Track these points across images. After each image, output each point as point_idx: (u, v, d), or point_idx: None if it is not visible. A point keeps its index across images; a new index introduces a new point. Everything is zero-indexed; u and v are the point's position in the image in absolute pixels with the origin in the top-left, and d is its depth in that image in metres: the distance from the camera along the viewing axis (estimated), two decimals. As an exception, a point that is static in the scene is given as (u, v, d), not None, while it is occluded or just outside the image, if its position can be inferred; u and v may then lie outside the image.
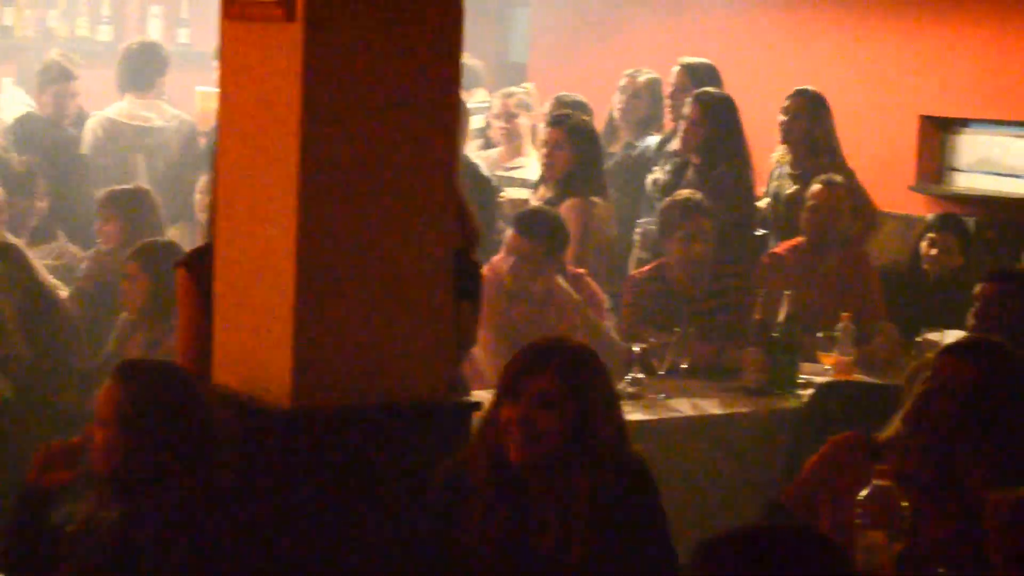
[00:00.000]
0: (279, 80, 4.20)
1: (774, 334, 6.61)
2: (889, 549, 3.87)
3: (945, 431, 4.39)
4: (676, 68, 9.09)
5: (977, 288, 6.18)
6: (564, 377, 3.93)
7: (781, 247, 7.83)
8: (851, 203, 7.84)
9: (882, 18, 10.20)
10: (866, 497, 3.91)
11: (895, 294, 7.84)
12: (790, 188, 8.37)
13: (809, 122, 8.52)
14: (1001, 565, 3.01)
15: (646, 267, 7.50)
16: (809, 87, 8.71)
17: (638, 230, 8.41)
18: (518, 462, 3.92)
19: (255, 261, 4.35)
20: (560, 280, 6.86)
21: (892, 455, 4.38)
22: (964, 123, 10.08)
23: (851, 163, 8.76)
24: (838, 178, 7.81)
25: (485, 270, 6.73)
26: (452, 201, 4.47)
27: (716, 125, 8.13)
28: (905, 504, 3.93)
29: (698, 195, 7.27)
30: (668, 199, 7.43)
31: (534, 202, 8.08)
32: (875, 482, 3.93)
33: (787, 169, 8.57)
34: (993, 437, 4.33)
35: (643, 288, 7.28)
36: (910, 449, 4.43)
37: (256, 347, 4.35)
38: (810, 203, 7.70)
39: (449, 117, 4.42)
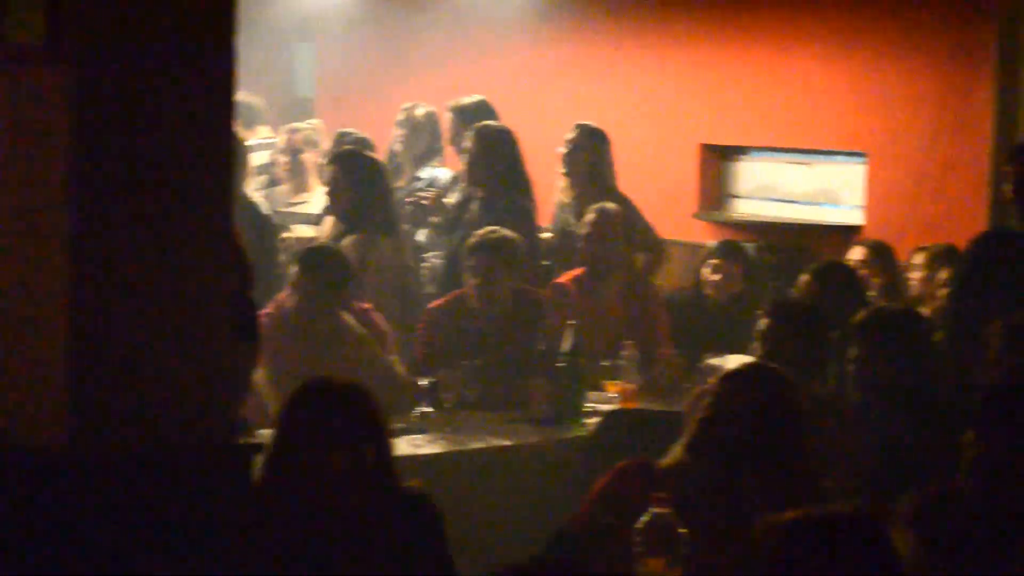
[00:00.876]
0: (46, 122, 4.12)
1: (559, 364, 6.63)
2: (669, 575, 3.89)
3: (725, 457, 4.44)
4: (447, 113, 9.19)
5: (761, 322, 6.26)
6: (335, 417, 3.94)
7: (564, 277, 7.86)
8: (626, 231, 7.89)
9: (662, 50, 10.31)
10: (644, 525, 3.92)
11: (679, 320, 7.91)
12: (573, 219, 8.41)
13: (590, 155, 8.62)
14: None
15: (442, 300, 7.48)
16: (588, 122, 8.81)
17: (425, 264, 8.42)
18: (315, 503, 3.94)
19: (28, 304, 4.25)
20: (345, 316, 6.81)
21: (673, 481, 4.41)
22: (743, 151, 10.25)
23: (636, 193, 8.87)
24: (611, 206, 7.88)
25: (270, 308, 6.68)
26: (228, 242, 4.41)
27: (497, 158, 8.18)
28: (683, 531, 3.94)
29: (502, 232, 7.26)
30: (472, 235, 7.41)
31: (319, 239, 8.04)
32: (653, 509, 3.94)
33: (569, 201, 8.63)
34: (772, 462, 4.38)
35: (439, 321, 7.26)
36: (691, 475, 4.47)
37: (31, 390, 4.25)
38: (585, 231, 7.75)
39: (222, 158, 4.36)
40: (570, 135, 8.73)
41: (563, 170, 8.73)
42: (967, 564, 4.13)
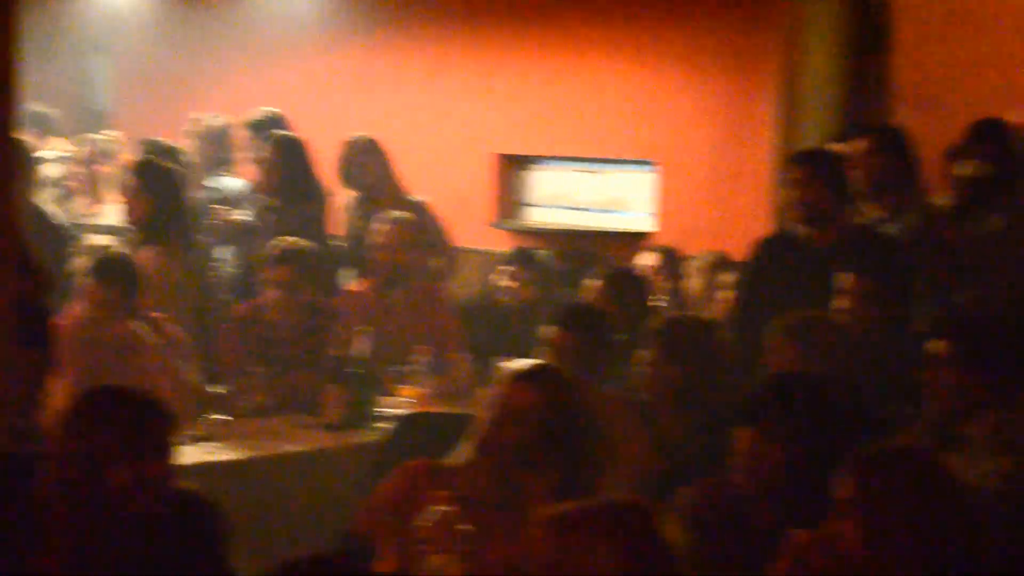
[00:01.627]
0: None
1: (352, 370, 6.63)
2: (454, 571, 3.92)
3: (510, 455, 4.48)
4: (240, 125, 9.18)
5: (548, 327, 6.31)
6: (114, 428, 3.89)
7: (355, 285, 7.87)
8: (418, 238, 7.91)
9: (456, 61, 10.37)
10: (428, 522, 3.95)
11: (474, 326, 7.95)
12: (362, 228, 8.43)
13: (367, 166, 8.68)
14: None
15: (241, 308, 7.44)
16: (362, 133, 8.86)
17: (220, 273, 8.38)
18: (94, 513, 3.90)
19: None
20: (136, 325, 6.74)
21: (460, 480, 4.45)
22: (537, 160, 10.33)
23: (434, 201, 8.91)
24: (403, 214, 7.91)
25: (63, 316, 6.59)
26: (12, 250, 4.34)
27: (290, 167, 8.19)
28: (467, 527, 3.97)
29: (300, 244, 7.24)
30: (269, 246, 7.39)
31: (114, 248, 7.94)
32: (436, 507, 3.97)
33: (356, 210, 8.67)
34: (555, 460, 4.43)
35: (237, 329, 7.23)
36: (479, 472, 4.52)
37: None
38: (375, 240, 7.76)
39: (6, 167, 4.29)
40: (344, 150, 8.82)
41: (347, 182, 8.77)
42: (738, 553, 4.22)
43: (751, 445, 4.37)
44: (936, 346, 5.23)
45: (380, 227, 7.78)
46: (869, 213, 7.24)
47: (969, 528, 3.67)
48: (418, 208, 8.46)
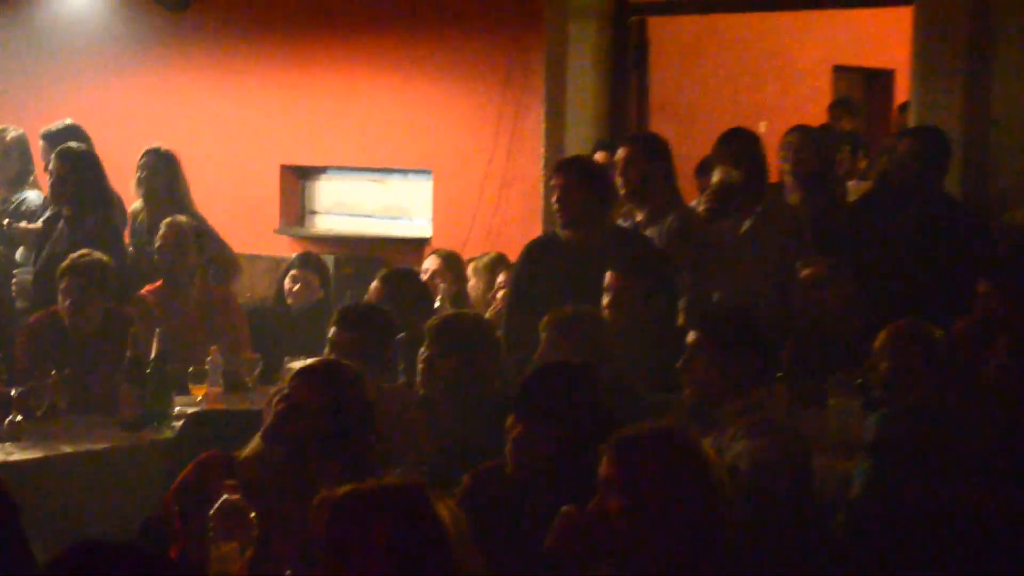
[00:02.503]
0: None
1: (147, 370, 6.55)
2: (240, 558, 3.90)
3: (297, 446, 4.48)
4: (40, 142, 9.02)
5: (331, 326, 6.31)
6: None
7: (145, 289, 7.77)
8: (199, 243, 7.85)
9: (247, 75, 10.30)
10: (217, 511, 3.93)
11: (263, 327, 7.93)
12: (146, 236, 8.38)
13: (162, 176, 8.59)
14: (323, 562, 3.08)
15: (38, 314, 7.30)
16: (160, 145, 8.74)
17: (14, 280, 8.22)
18: None
19: None
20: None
21: (249, 470, 4.44)
22: (321, 170, 10.32)
23: (221, 211, 8.89)
24: (182, 218, 7.86)
25: None
26: None
27: (81, 178, 8.05)
28: (253, 515, 3.96)
29: (92, 255, 7.12)
30: (63, 256, 7.26)
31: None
32: (225, 496, 3.95)
33: (143, 219, 8.60)
34: (339, 450, 4.43)
35: (34, 334, 7.10)
36: (266, 464, 4.50)
37: None
38: (158, 244, 7.72)
39: None
40: (142, 159, 8.69)
41: (138, 192, 8.67)
42: (513, 533, 4.27)
43: (521, 432, 4.42)
44: (691, 336, 5.36)
45: (162, 232, 7.74)
46: (633, 217, 7.36)
47: (722, 503, 3.76)
48: (199, 217, 8.39)
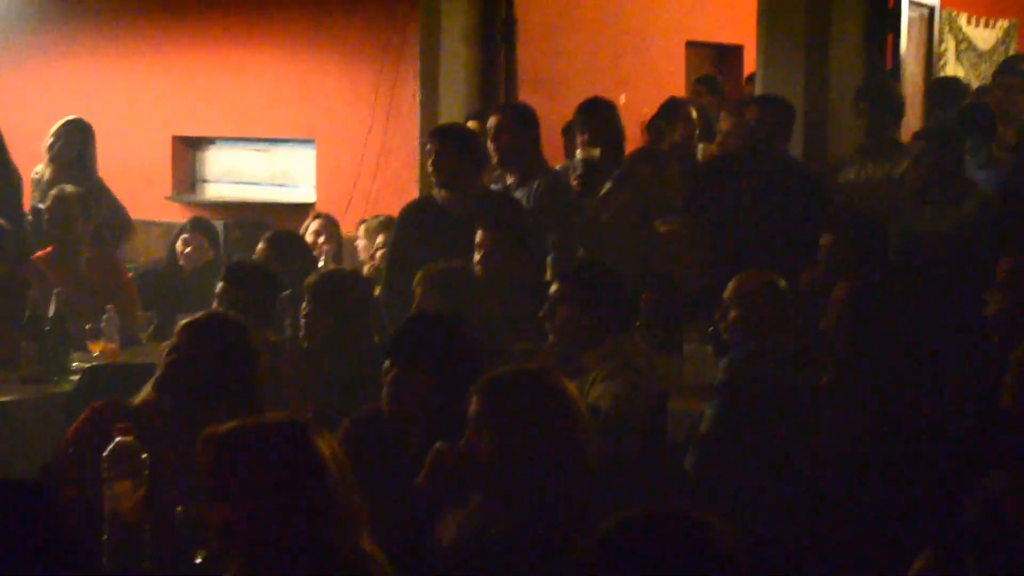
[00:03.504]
0: None
1: (46, 328, 6.49)
2: (134, 495, 3.88)
3: (186, 392, 4.47)
4: None
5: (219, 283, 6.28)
6: None
7: (36, 255, 7.66)
8: (86, 209, 7.70)
9: (135, 51, 10.18)
10: (110, 452, 3.91)
11: (158, 287, 7.86)
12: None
13: (76, 146, 8.51)
14: (208, 495, 3.08)
15: None
16: (78, 117, 8.63)
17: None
18: None
19: None
20: None
21: (142, 416, 4.43)
22: (211, 141, 10.24)
23: (115, 179, 8.78)
24: (69, 187, 7.74)
25: None
26: None
27: None
28: (145, 456, 3.95)
29: None
30: None
31: None
32: (117, 439, 3.93)
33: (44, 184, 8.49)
34: (226, 396, 4.42)
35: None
36: (158, 409, 4.50)
37: None
38: (45, 215, 7.63)
39: None
40: (59, 128, 8.59)
41: (49, 157, 8.56)
42: (390, 469, 4.29)
43: (395, 375, 4.44)
44: (553, 288, 5.41)
45: (49, 201, 7.65)
46: (503, 180, 7.39)
47: (583, 439, 3.80)
48: (101, 185, 8.30)
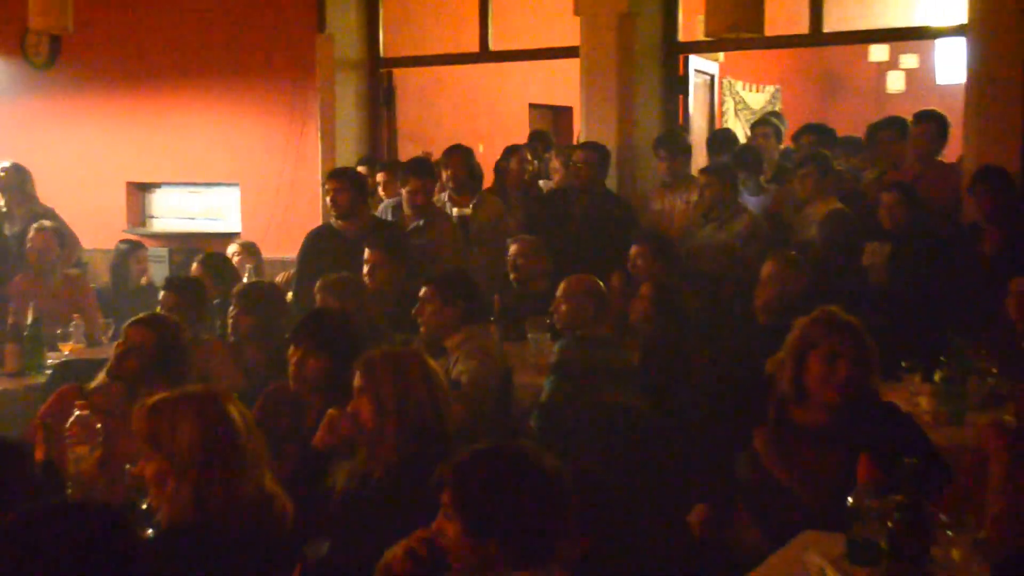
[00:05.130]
0: None
1: (26, 333, 6.35)
2: (91, 457, 3.85)
3: (132, 376, 4.44)
4: None
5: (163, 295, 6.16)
6: None
7: (17, 277, 7.45)
8: (61, 240, 7.58)
9: (97, 116, 10.00)
10: (71, 423, 3.87)
11: (112, 300, 7.71)
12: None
13: (24, 184, 8.34)
14: (144, 453, 3.05)
15: None
16: (11, 162, 8.48)
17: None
18: None
19: None
20: None
21: (98, 396, 4.39)
22: (157, 185, 10.11)
23: (79, 216, 8.64)
24: (47, 223, 7.59)
25: None
26: None
27: None
28: (99, 425, 3.90)
29: None
30: None
31: None
32: (77, 412, 3.89)
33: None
34: (164, 380, 4.36)
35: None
36: (110, 390, 4.46)
37: None
38: (28, 244, 7.46)
39: None
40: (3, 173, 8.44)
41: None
42: (295, 434, 4.28)
43: (298, 356, 4.43)
44: (422, 291, 5.43)
45: (30, 235, 7.48)
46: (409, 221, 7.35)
47: (445, 407, 3.82)
48: (54, 216, 8.13)
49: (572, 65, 8.43)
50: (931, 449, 3.80)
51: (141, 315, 4.72)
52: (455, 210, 7.50)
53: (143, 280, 7.89)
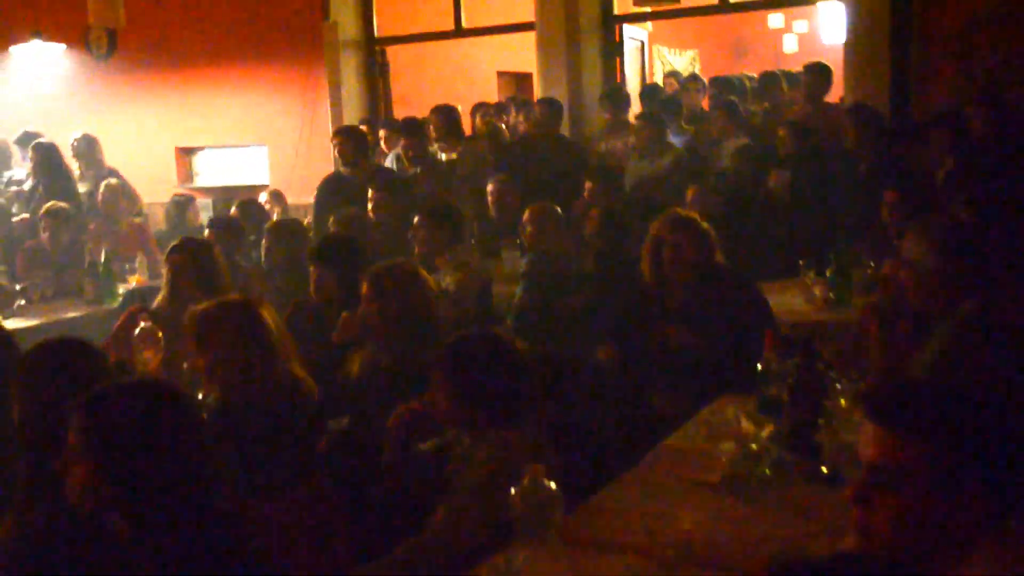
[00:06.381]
0: None
1: (100, 269, 6.29)
2: (155, 359, 3.83)
3: (184, 293, 4.37)
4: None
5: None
6: None
7: (92, 225, 7.38)
8: (124, 194, 7.50)
9: (154, 94, 9.83)
10: (139, 333, 3.85)
11: (172, 240, 7.55)
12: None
13: (96, 151, 8.16)
14: (193, 351, 3.03)
15: (30, 241, 6.95)
16: (83, 133, 8.27)
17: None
18: None
19: None
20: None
21: (158, 311, 4.34)
22: (201, 148, 9.98)
23: (138, 175, 8.51)
24: (113, 181, 7.52)
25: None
26: None
27: (47, 167, 7.73)
28: (160, 334, 3.88)
29: (60, 204, 6.75)
30: None
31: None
32: (142, 324, 3.87)
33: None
34: (205, 292, 4.30)
35: (28, 250, 6.80)
36: (168, 307, 4.42)
37: None
38: (99, 197, 7.31)
39: None
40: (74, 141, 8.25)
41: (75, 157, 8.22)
42: (316, 332, 4.25)
43: (317, 274, 4.40)
44: (416, 220, 5.37)
45: (101, 190, 7.40)
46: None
47: (435, 312, 3.80)
48: (118, 176, 8.01)
49: (530, 37, 8.33)
50: (766, 309, 3.88)
51: (179, 242, 4.66)
52: (443, 156, 7.42)
53: (196, 223, 7.81)
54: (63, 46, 9.87)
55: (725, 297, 3.82)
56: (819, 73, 7.05)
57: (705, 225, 3.86)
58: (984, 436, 1.47)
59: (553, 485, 2.14)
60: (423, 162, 7.12)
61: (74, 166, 8.28)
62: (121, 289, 6.40)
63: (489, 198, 6.63)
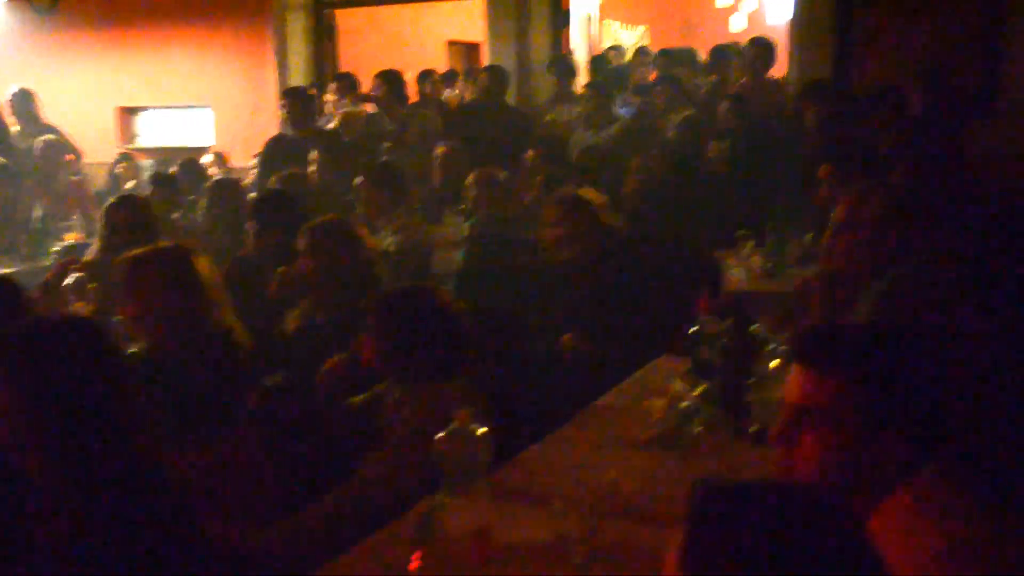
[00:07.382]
0: None
1: (37, 226, 6.17)
2: (86, 309, 3.74)
3: (117, 242, 4.27)
4: None
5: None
6: None
7: (29, 182, 7.21)
8: (63, 150, 7.31)
9: (94, 52, 9.61)
10: (69, 283, 3.77)
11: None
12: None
13: (32, 107, 7.93)
14: (123, 300, 2.95)
15: None
16: (19, 87, 7.96)
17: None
18: None
19: None
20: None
21: (89, 264, 4.23)
22: (143, 109, 9.78)
23: (85, 136, 8.31)
24: (51, 137, 7.33)
25: None
26: None
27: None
28: (92, 285, 3.79)
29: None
30: None
31: None
32: (74, 275, 3.79)
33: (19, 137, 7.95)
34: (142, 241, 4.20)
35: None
36: (100, 257, 4.31)
37: None
38: (36, 155, 7.11)
39: None
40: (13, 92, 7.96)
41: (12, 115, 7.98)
42: (253, 289, 4.19)
43: (256, 231, 4.33)
44: (358, 181, 5.31)
45: (40, 147, 7.20)
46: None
47: (375, 272, 3.74)
48: (57, 132, 7.80)
49: (479, 6, 8.27)
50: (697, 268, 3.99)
51: (115, 199, 4.56)
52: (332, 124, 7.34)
53: (131, 184, 7.65)
54: (4, -1, 9.64)
55: (632, 274, 3.79)
56: (762, 47, 7.08)
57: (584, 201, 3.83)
58: (904, 379, 1.47)
59: (482, 430, 2.11)
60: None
61: (11, 122, 8.05)
62: (55, 247, 6.25)
63: (435, 163, 6.57)
